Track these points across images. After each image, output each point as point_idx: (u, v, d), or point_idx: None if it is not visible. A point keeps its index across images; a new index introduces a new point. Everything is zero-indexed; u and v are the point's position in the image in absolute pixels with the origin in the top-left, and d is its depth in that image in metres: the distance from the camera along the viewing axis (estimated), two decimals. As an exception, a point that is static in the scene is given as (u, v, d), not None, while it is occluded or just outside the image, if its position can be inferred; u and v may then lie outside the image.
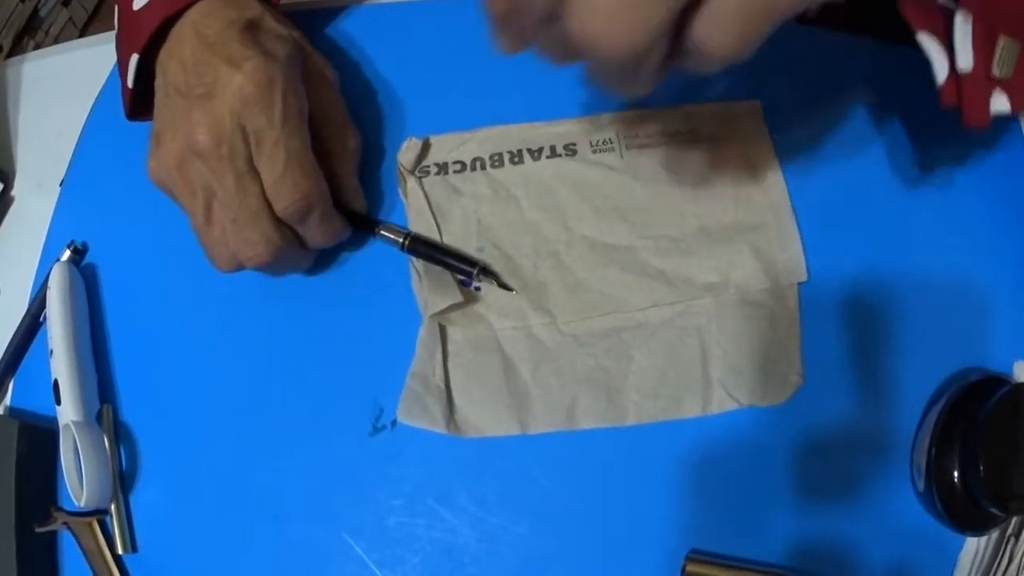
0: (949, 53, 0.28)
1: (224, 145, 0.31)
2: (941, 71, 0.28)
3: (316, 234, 0.35)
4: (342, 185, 0.37)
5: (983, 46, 0.28)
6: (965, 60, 0.28)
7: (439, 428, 0.34)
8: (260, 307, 0.38)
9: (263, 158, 0.32)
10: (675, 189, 0.36)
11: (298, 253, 0.35)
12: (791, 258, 0.34)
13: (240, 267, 0.34)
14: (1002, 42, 0.28)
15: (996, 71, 0.28)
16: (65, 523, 0.36)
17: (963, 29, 0.27)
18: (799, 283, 0.34)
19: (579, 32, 0.20)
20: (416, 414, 0.34)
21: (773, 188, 0.36)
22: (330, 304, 0.38)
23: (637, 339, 0.34)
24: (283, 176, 0.32)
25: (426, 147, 0.39)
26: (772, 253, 0.35)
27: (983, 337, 0.33)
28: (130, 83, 0.36)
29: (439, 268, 0.36)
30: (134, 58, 0.35)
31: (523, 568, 0.33)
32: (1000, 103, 0.29)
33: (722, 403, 0.33)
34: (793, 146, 0.37)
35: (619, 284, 0.35)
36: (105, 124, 0.45)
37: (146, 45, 0.34)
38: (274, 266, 0.35)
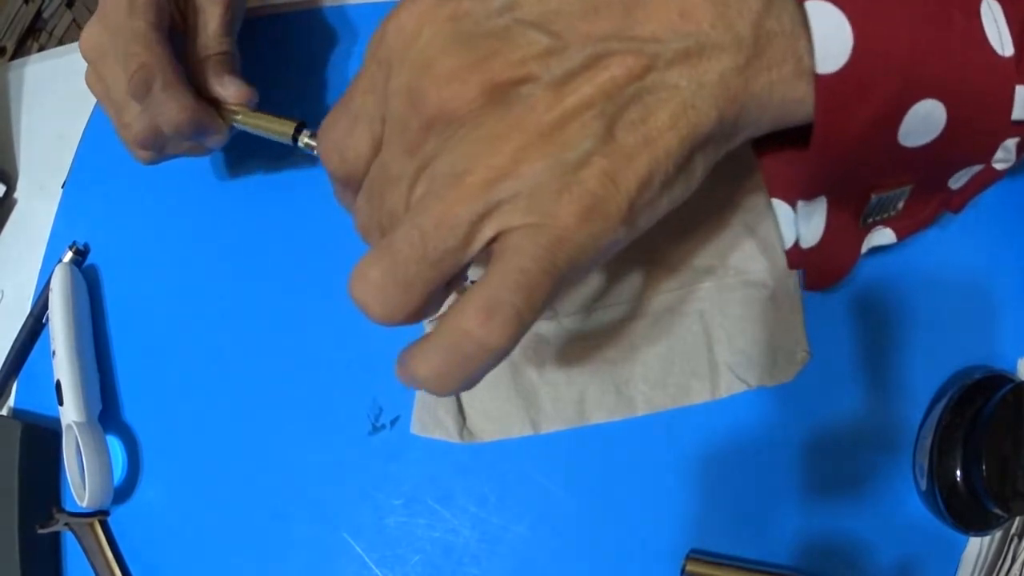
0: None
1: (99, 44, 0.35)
2: (788, 240, 0.28)
3: (162, 110, 0.33)
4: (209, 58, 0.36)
5: (845, 212, 0.27)
6: (809, 239, 0.27)
7: (453, 438, 0.34)
8: (260, 307, 0.39)
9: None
10: None
11: (162, 138, 0.35)
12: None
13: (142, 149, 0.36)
14: (877, 197, 0.26)
15: (870, 221, 0.27)
16: (67, 524, 0.36)
17: (807, 212, 0.26)
18: None
19: (352, 296, 0.22)
20: (431, 427, 0.34)
21: None
22: (329, 302, 0.38)
23: (640, 328, 0.34)
24: (125, 53, 0.33)
25: None
26: (769, 233, 0.34)
27: (987, 335, 0.33)
28: None
29: None
30: None
31: (523, 568, 0.33)
32: (882, 237, 0.28)
33: (730, 386, 0.33)
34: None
35: (619, 274, 0.35)
36: (107, 126, 0.45)
37: None
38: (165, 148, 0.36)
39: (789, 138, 0.24)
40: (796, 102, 0.21)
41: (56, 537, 0.38)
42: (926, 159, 0.23)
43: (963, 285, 0.33)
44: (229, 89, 0.35)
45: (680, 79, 0.20)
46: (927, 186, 0.26)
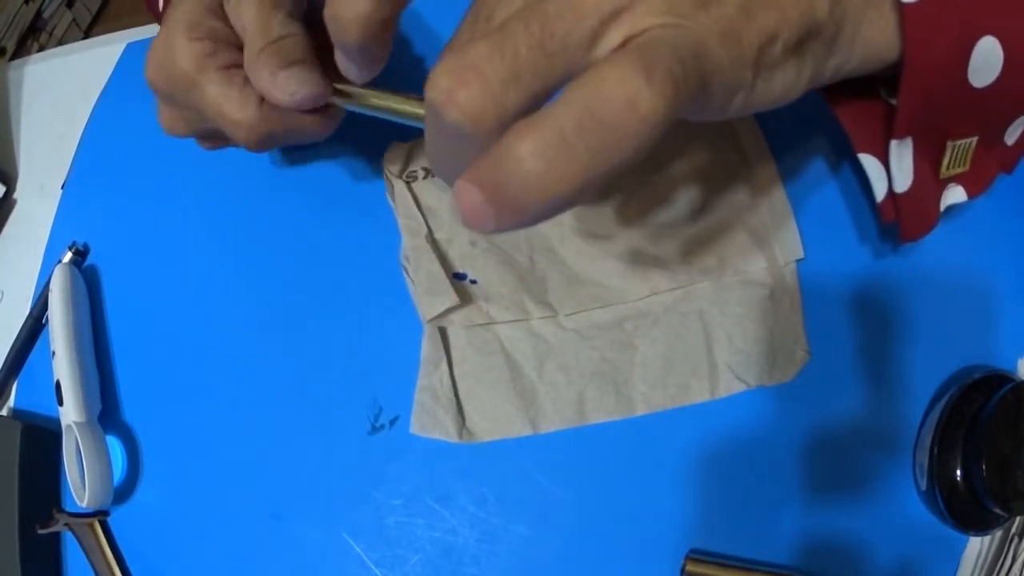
0: (889, 173, 0.28)
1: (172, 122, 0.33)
2: (880, 191, 0.28)
3: (244, 143, 0.30)
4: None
5: (925, 162, 0.28)
6: (902, 184, 0.28)
7: (452, 438, 0.34)
8: (260, 307, 0.39)
9: None
10: (666, 176, 0.36)
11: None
12: (787, 236, 0.34)
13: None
14: (951, 145, 0.27)
15: (946, 172, 0.28)
16: (67, 524, 0.36)
17: (899, 153, 0.27)
18: (797, 260, 0.34)
19: (437, 80, 0.18)
20: (430, 427, 0.34)
21: (763, 168, 0.35)
22: (329, 303, 0.38)
23: (640, 328, 0.34)
24: (178, 111, 0.31)
25: (412, 151, 0.39)
26: (767, 232, 0.34)
27: (987, 335, 0.33)
28: None
29: (429, 272, 0.36)
30: None
31: (523, 568, 0.33)
32: (955, 195, 0.29)
33: (729, 386, 0.33)
34: (790, 136, 0.36)
35: (617, 274, 0.35)
36: (107, 126, 0.46)
37: None
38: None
39: (864, 96, 0.27)
40: (881, 31, 0.23)
41: (56, 537, 0.38)
42: (988, 104, 0.25)
43: (963, 285, 0.33)
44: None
45: None
46: (988, 139, 0.28)
